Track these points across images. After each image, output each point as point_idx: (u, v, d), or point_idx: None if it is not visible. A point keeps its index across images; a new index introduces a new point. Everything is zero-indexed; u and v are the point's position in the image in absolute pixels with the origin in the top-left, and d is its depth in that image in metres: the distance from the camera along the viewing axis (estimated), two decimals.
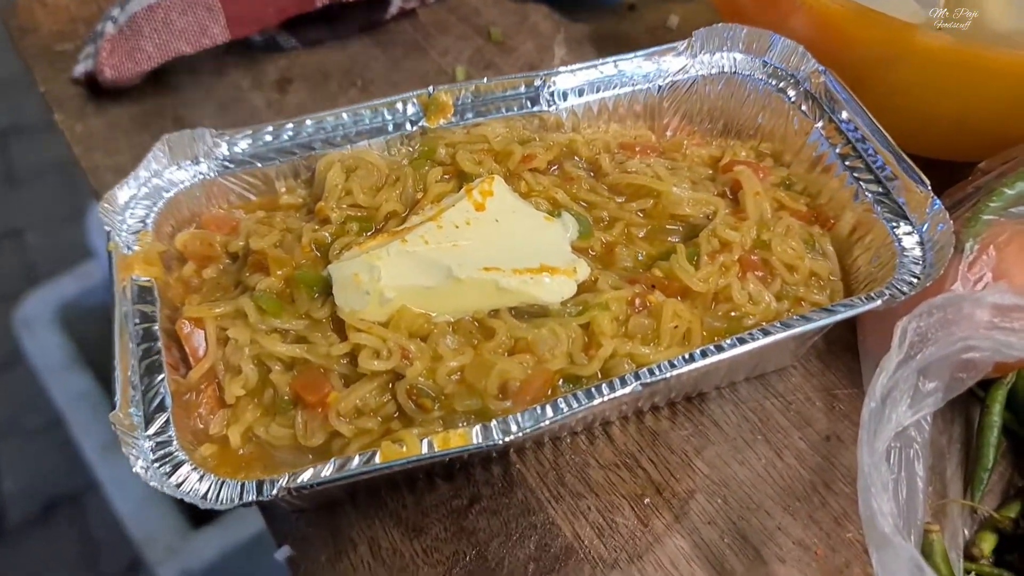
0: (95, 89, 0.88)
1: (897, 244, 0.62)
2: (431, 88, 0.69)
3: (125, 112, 0.89)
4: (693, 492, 0.63)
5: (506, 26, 0.98)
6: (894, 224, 0.63)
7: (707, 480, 0.63)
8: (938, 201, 0.61)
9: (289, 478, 0.49)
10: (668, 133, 0.75)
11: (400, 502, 0.62)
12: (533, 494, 0.63)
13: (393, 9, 0.97)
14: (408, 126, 0.69)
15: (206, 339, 0.58)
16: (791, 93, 0.71)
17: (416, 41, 0.97)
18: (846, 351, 0.70)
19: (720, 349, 0.55)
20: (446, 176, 0.66)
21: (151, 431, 0.52)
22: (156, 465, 0.50)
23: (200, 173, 0.66)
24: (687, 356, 0.54)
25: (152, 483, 0.49)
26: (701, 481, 0.63)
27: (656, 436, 0.66)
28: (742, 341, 0.55)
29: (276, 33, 0.93)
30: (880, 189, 0.65)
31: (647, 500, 0.62)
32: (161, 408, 0.53)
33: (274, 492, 0.49)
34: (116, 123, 0.88)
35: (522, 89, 0.71)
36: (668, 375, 0.53)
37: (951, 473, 0.64)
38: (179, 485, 0.50)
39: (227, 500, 0.49)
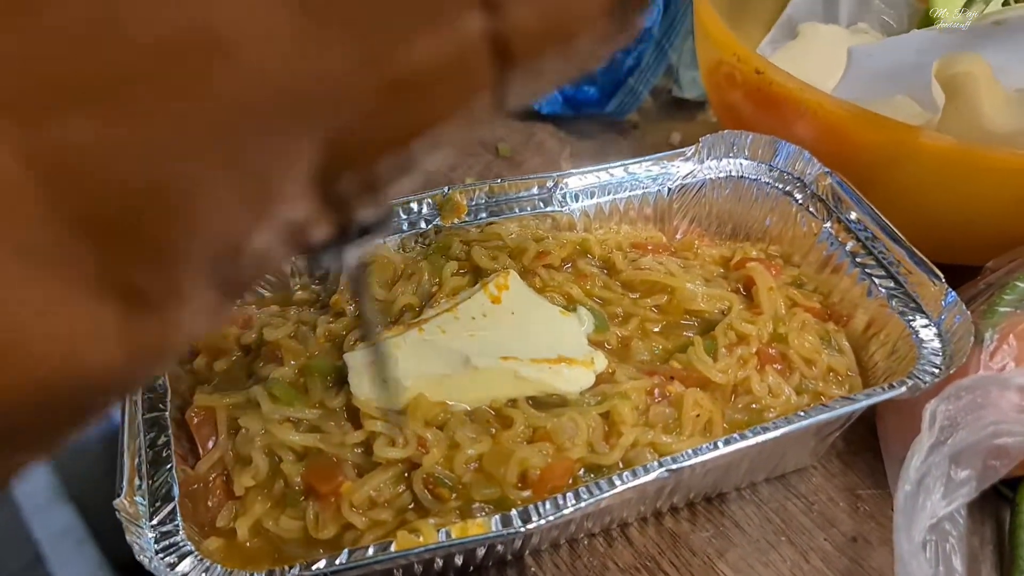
0: None
1: (915, 337, 0.62)
2: (446, 188, 0.71)
3: None
4: None
5: (514, 143, 1.02)
6: (910, 318, 0.63)
7: None
8: (953, 293, 0.61)
9: (302, 567, 0.47)
10: (678, 235, 0.76)
11: None
12: None
13: None
14: (422, 224, 0.70)
15: (216, 429, 0.57)
16: (798, 196, 0.73)
17: None
18: (866, 451, 0.68)
19: (744, 437, 0.54)
20: (461, 271, 0.66)
21: (156, 520, 0.50)
22: (160, 555, 0.48)
23: None
24: (711, 445, 0.53)
25: (157, 574, 0.47)
26: None
27: (676, 538, 0.63)
28: (765, 431, 0.54)
29: None
30: (893, 284, 0.65)
31: None
32: (168, 498, 0.51)
33: None
34: None
35: (535, 190, 0.73)
36: (693, 462, 0.51)
37: (987, 575, 0.62)
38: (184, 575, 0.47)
39: None
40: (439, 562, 0.57)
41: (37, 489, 1.78)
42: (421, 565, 0.56)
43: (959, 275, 0.70)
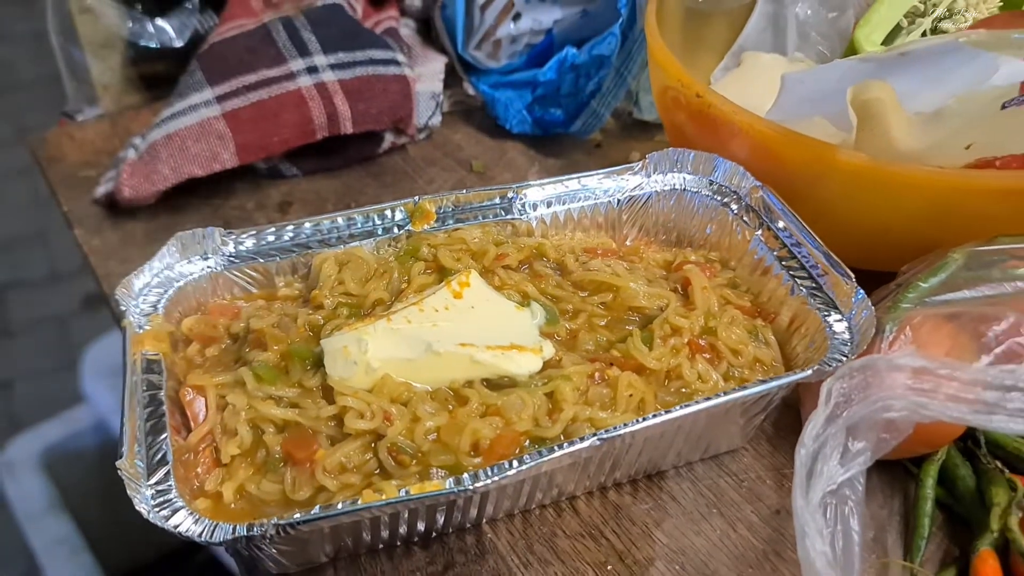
0: (113, 207, 0.98)
1: (829, 330, 0.69)
2: (416, 198, 0.79)
3: (140, 227, 0.98)
4: (653, 560, 0.67)
5: (487, 160, 1.10)
6: (826, 314, 0.71)
7: (666, 549, 0.68)
8: (861, 291, 0.69)
9: (281, 519, 0.54)
10: (628, 242, 0.84)
11: (379, 568, 0.66)
12: (503, 561, 0.67)
13: (386, 144, 1.08)
14: (395, 230, 0.78)
15: (206, 405, 0.64)
16: (734, 207, 0.81)
17: (406, 171, 1.08)
18: (792, 434, 0.75)
19: (671, 412, 0.61)
20: (428, 270, 0.74)
21: (152, 480, 0.57)
22: (157, 509, 0.55)
23: (208, 267, 0.74)
24: (641, 418, 0.61)
25: (153, 522, 0.54)
26: (660, 550, 0.68)
27: (619, 509, 0.71)
28: (688, 406, 0.62)
29: (279, 162, 1.04)
30: (813, 284, 0.73)
31: (610, 567, 0.67)
32: (163, 462, 0.59)
33: (265, 530, 0.54)
34: (130, 237, 0.97)
35: (497, 200, 0.81)
36: (622, 431, 0.59)
37: (892, 542, 0.69)
38: (177, 526, 0.54)
39: (220, 538, 0.54)
40: (404, 528, 0.65)
41: (34, 499, 1.83)
42: (387, 528, 0.63)
43: (880, 279, 0.78)
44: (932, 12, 0.87)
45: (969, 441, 0.73)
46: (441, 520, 0.66)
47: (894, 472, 0.74)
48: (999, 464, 0.70)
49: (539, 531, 0.69)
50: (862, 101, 0.75)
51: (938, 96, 0.74)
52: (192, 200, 1.01)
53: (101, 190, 0.99)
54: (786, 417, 0.77)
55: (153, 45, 1.12)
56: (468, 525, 0.69)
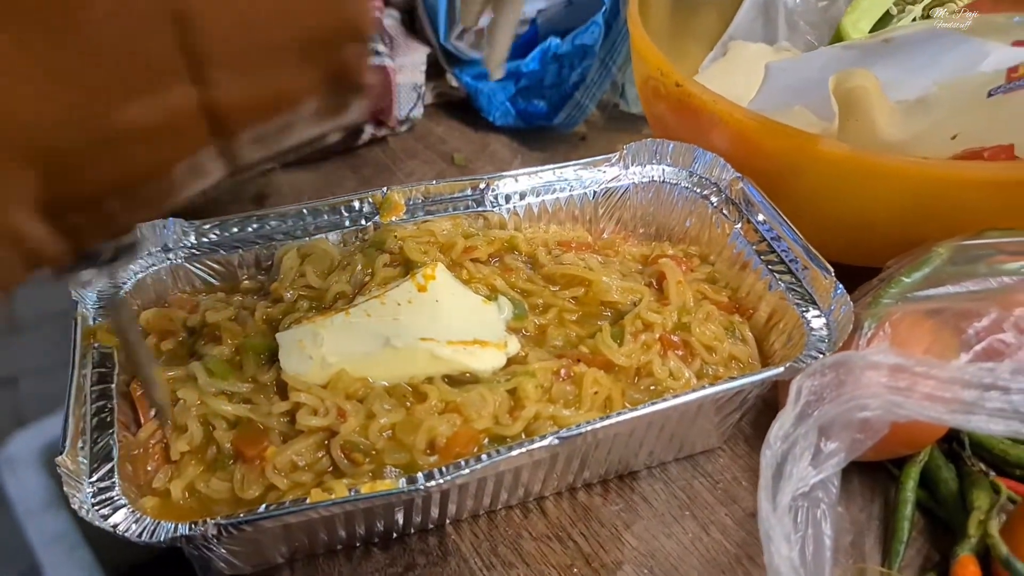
0: None
1: (807, 326, 0.67)
2: (385, 189, 0.76)
3: None
4: (621, 563, 0.65)
5: (469, 152, 1.08)
6: (804, 309, 0.68)
7: (635, 552, 0.66)
8: (841, 287, 0.67)
9: (224, 518, 0.52)
10: (605, 235, 0.82)
11: (337, 570, 0.64)
12: (466, 563, 0.65)
13: (365, 136, 1.06)
14: (363, 222, 0.76)
15: None
16: (714, 199, 0.79)
17: (385, 164, 1.06)
18: None
19: (635, 410, 0.59)
20: (393, 263, 0.72)
21: (95, 478, 0.55)
22: (96, 508, 0.53)
23: (168, 259, 0.72)
24: (603, 417, 0.58)
25: (90, 521, 0.52)
26: (629, 553, 0.66)
27: (588, 511, 0.69)
28: (655, 404, 0.59)
29: None
30: (792, 279, 0.71)
31: (576, 570, 0.64)
32: (107, 459, 0.57)
33: (205, 529, 0.51)
34: None
35: (468, 192, 0.78)
36: (585, 430, 0.57)
37: (870, 547, 0.67)
38: (116, 525, 0.52)
39: (161, 537, 0.51)
40: (362, 528, 0.62)
41: (32, 496, 1.82)
42: (344, 528, 0.61)
43: (866, 274, 0.75)
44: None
45: (954, 442, 0.71)
46: (401, 520, 0.63)
47: (876, 474, 0.71)
48: (983, 466, 0.68)
49: (504, 532, 0.67)
50: (845, 90, 0.72)
51: (922, 84, 0.72)
52: None
53: None
54: (765, 416, 0.74)
55: None
56: (431, 526, 0.66)
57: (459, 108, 1.14)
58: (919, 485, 0.68)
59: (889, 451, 0.69)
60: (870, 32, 0.86)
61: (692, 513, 0.69)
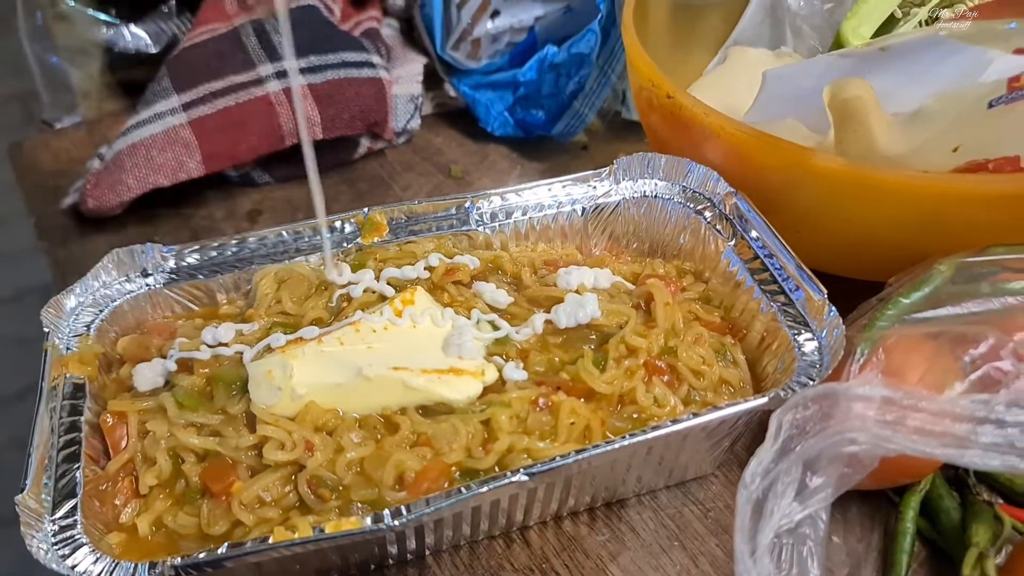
0: (81, 218, 0.96)
1: (798, 350, 0.64)
2: (366, 209, 0.75)
3: (106, 240, 0.95)
4: None
5: (467, 164, 1.06)
6: (796, 332, 0.65)
7: None
8: (834, 309, 0.64)
9: (182, 558, 0.51)
10: (596, 252, 0.80)
11: None
12: None
13: (361, 149, 1.05)
14: (345, 244, 0.74)
15: (128, 432, 0.61)
16: (708, 215, 0.76)
17: (382, 177, 1.05)
18: None
19: (611, 444, 0.57)
20: (371, 289, 0.70)
21: (57, 515, 0.54)
22: (55, 547, 0.52)
23: (147, 284, 0.71)
24: (579, 450, 0.56)
25: (47, 564, 0.51)
26: None
27: (573, 541, 0.66)
28: (633, 436, 0.57)
29: (251, 169, 1.01)
30: (785, 299, 0.68)
31: None
32: (72, 495, 0.56)
33: (162, 570, 0.50)
34: (96, 250, 0.94)
35: (453, 211, 0.76)
36: (556, 465, 0.55)
37: None
38: (74, 566, 0.51)
39: None
40: (337, 559, 0.61)
41: None
42: (318, 561, 0.60)
43: (871, 289, 0.72)
44: (929, 1, 0.81)
45: (960, 469, 0.68)
46: (378, 552, 0.62)
47: (876, 503, 0.68)
48: (987, 495, 0.64)
49: (486, 564, 0.65)
50: (840, 100, 0.69)
51: (921, 94, 0.68)
52: (160, 210, 0.98)
53: (68, 200, 0.97)
54: (761, 440, 0.71)
55: (130, 51, 1.10)
56: (410, 556, 0.65)
57: (458, 118, 1.13)
58: (920, 514, 0.65)
59: (889, 480, 0.66)
60: (873, 37, 0.83)
61: (681, 543, 0.66)
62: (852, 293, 0.69)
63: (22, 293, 2.52)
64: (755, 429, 0.69)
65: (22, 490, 0.54)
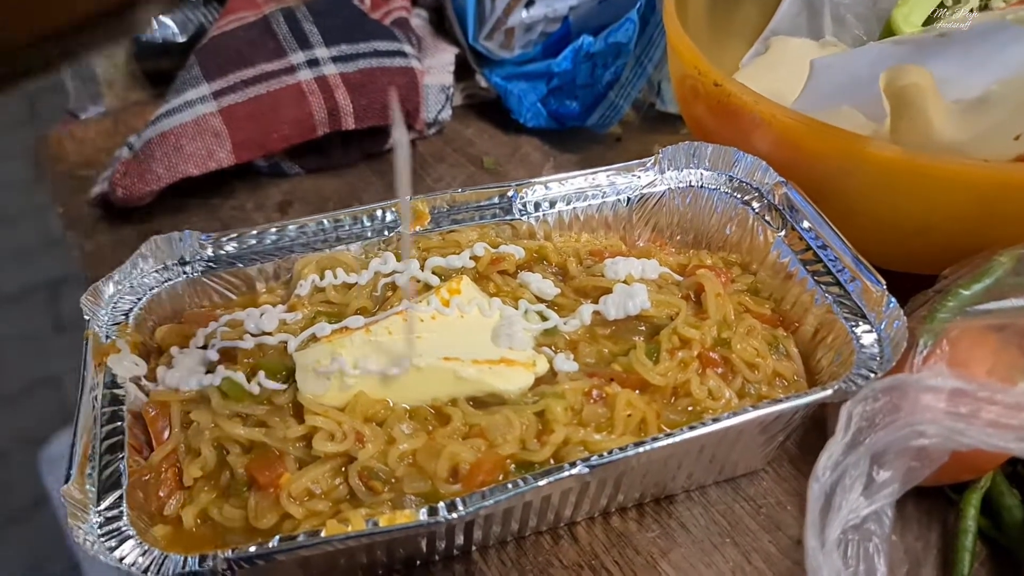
0: (109, 208, 0.94)
1: (856, 342, 0.62)
2: (407, 198, 0.73)
3: (135, 230, 0.94)
4: None
5: (499, 156, 1.04)
6: (853, 324, 0.64)
7: None
8: (893, 300, 0.62)
9: (233, 551, 0.49)
10: (640, 243, 0.78)
11: None
12: None
13: (391, 140, 1.03)
14: (386, 232, 0.73)
15: (171, 423, 0.59)
16: (755, 205, 0.74)
17: (413, 169, 1.03)
18: (818, 455, 0.69)
19: (671, 436, 0.55)
20: (416, 278, 0.68)
21: (102, 506, 0.53)
22: (102, 539, 0.51)
23: (185, 272, 0.69)
24: (638, 442, 0.54)
25: (95, 555, 0.49)
26: None
27: (622, 537, 0.65)
28: (693, 429, 0.55)
29: (281, 160, 0.99)
30: (840, 291, 0.66)
31: None
32: (116, 486, 0.54)
33: (215, 564, 0.49)
34: (124, 240, 0.93)
35: (496, 200, 0.75)
36: (616, 458, 0.53)
37: None
38: (122, 559, 0.50)
39: (169, 571, 0.49)
40: (384, 556, 0.59)
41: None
42: (365, 556, 0.58)
43: (919, 283, 0.70)
44: None
45: (1019, 465, 0.66)
46: (425, 548, 0.60)
47: (933, 500, 0.66)
48: None
49: (534, 560, 0.63)
50: (897, 88, 0.67)
51: (982, 81, 0.66)
52: (190, 200, 0.97)
53: (96, 190, 0.95)
54: (812, 436, 0.70)
55: (157, 40, 1.08)
56: (456, 552, 0.63)
57: (489, 109, 1.11)
58: (981, 512, 0.63)
59: (949, 476, 0.64)
60: (923, 25, 0.81)
61: (733, 540, 0.65)
62: (900, 286, 0.67)
63: (28, 290, 2.52)
64: (807, 424, 0.68)
65: (66, 480, 0.53)
